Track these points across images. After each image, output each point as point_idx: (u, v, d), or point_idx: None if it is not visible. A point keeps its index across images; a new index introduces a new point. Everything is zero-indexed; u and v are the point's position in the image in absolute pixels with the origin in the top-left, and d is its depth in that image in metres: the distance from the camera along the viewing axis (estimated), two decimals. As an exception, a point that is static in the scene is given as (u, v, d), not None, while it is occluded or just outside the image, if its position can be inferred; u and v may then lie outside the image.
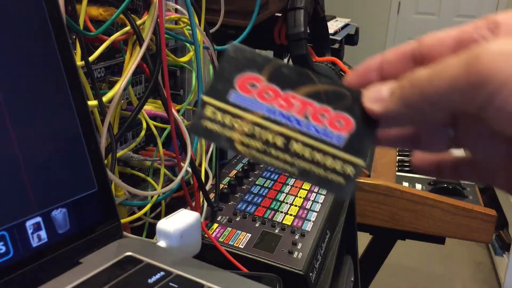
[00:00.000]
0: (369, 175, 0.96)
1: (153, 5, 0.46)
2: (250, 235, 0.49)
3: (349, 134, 0.25)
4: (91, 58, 0.43)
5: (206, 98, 0.26)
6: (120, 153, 0.52)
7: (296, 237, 0.50)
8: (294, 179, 0.62)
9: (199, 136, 0.32)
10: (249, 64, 0.26)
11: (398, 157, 1.08)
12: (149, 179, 0.56)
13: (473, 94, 0.19)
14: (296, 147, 0.25)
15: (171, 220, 0.39)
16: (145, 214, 0.51)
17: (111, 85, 0.50)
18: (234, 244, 0.47)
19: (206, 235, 0.47)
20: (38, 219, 0.30)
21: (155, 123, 0.54)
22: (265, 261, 0.46)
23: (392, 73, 0.25)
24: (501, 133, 0.20)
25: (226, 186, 0.57)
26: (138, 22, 0.46)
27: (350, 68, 0.97)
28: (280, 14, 0.99)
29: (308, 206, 0.56)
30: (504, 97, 0.19)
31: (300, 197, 0.58)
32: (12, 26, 0.30)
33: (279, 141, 0.25)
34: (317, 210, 0.55)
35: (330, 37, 1.16)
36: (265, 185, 0.60)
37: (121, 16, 0.45)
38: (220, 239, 0.48)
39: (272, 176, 0.62)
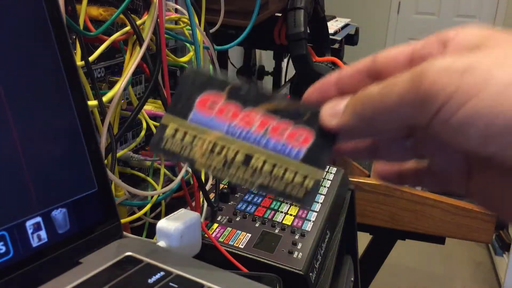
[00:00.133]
0: (369, 175, 0.96)
1: (153, 5, 0.46)
2: (250, 235, 0.49)
3: (308, 148, 0.26)
4: (91, 58, 0.43)
5: (167, 118, 0.27)
6: (120, 153, 0.52)
7: (296, 237, 0.50)
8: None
9: (160, 155, 0.33)
10: (208, 85, 0.27)
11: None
12: (149, 179, 0.56)
13: (420, 109, 0.20)
14: (255, 163, 0.26)
15: (171, 220, 0.39)
16: (145, 214, 0.51)
17: (111, 85, 0.50)
18: (234, 244, 0.47)
19: (206, 235, 0.47)
20: (38, 219, 0.30)
21: (155, 123, 0.54)
22: (265, 261, 0.46)
23: (350, 88, 0.25)
24: (449, 146, 0.21)
25: (226, 186, 0.57)
26: (138, 22, 0.46)
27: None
28: (280, 14, 0.99)
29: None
30: (447, 111, 0.19)
31: (300, 197, 0.58)
32: (12, 26, 0.29)
33: (239, 158, 0.26)
34: (317, 210, 0.55)
35: (330, 37, 1.17)
36: (265, 185, 0.60)
37: (121, 16, 0.45)
38: (220, 239, 0.48)
39: (272, 176, 0.62)
